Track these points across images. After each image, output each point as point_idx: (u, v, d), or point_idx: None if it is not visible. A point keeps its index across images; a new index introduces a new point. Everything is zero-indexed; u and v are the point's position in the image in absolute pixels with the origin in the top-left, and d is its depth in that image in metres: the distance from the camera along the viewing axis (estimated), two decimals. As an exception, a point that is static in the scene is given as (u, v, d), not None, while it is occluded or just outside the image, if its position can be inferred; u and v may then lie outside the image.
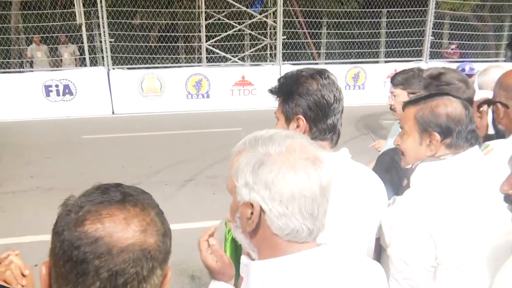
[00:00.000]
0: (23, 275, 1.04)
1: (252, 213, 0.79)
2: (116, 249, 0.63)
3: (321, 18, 10.67)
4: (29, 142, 6.95)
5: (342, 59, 10.26)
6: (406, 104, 1.42)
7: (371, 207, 1.23)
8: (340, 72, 9.79)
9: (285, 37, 9.71)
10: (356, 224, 1.18)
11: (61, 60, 9.79)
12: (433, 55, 10.40)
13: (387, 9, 10.43)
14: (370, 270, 0.88)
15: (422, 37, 10.20)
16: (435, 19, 10.09)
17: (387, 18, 10.57)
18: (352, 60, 10.23)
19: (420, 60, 10.23)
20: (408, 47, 10.30)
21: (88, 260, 0.62)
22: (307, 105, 1.19)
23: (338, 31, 10.44)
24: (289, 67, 9.57)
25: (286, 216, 0.77)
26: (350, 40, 10.36)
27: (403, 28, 10.22)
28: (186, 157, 5.93)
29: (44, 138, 7.15)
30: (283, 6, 9.63)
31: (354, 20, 10.45)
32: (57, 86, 8.73)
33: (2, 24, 9.34)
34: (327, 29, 10.96)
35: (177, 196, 4.68)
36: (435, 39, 10.40)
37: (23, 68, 9.64)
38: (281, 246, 0.79)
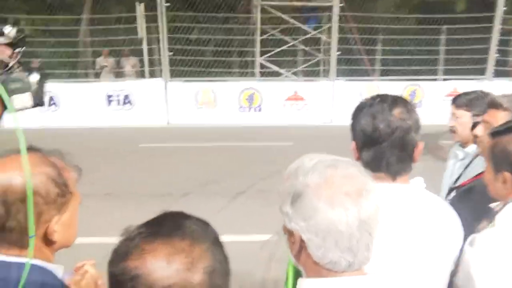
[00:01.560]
0: (97, 284, 1.07)
1: (294, 239, 0.82)
2: None
3: (377, 35, 10.48)
4: (90, 148, 7.34)
5: (398, 75, 9.97)
6: (490, 134, 1.30)
7: (443, 243, 1.14)
8: (396, 89, 9.52)
9: (339, 52, 9.63)
10: (425, 259, 1.10)
11: (123, 72, 10.35)
12: (498, 73, 9.83)
13: (447, 26, 10.05)
14: None
15: (486, 54, 9.70)
16: (500, 35, 9.57)
17: (447, 34, 10.17)
18: (408, 77, 9.91)
19: (484, 78, 9.71)
20: (470, 65, 9.83)
21: None
22: (360, 132, 1.16)
23: (394, 48, 10.20)
24: (342, 83, 9.47)
25: (324, 248, 0.78)
26: (407, 56, 10.07)
27: (464, 46, 9.78)
28: (237, 169, 5.99)
29: (104, 145, 7.52)
30: (338, 23, 9.58)
31: (411, 37, 10.16)
32: (118, 96, 9.22)
33: (73, 38, 10.06)
34: (382, 46, 10.75)
35: (228, 208, 4.71)
36: (501, 56, 9.85)
37: (89, 78, 10.29)
38: (322, 273, 0.80)
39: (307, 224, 0.78)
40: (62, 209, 0.93)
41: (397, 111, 1.14)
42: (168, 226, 0.67)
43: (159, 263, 0.62)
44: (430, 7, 10.25)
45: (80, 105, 9.09)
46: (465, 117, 2.07)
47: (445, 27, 10.11)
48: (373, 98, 1.19)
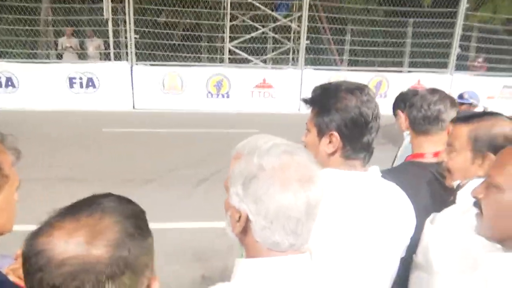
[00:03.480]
0: None
1: (240, 217, 0.82)
2: (55, 262, 0.61)
3: (345, 25, 10.58)
4: (50, 132, 7.09)
5: (365, 66, 10.14)
6: (456, 120, 1.38)
7: (397, 228, 1.18)
8: (362, 80, 9.65)
9: (308, 41, 9.67)
10: (381, 244, 1.14)
11: (86, 53, 9.97)
12: (459, 68, 10.19)
13: (414, 19, 10.28)
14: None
15: (449, 48, 10.01)
16: (463, 31, 9.89)
17: (413, 28, 10.41)
18: (375, 68, 10.11)
19: (446, 71, 10.04)
20: (434, 58, 10.12)
21: (31, 272, 0.62)
22: (343, 122, 1.14)
23: (362, 39, 10.34)
24: (310, 72, 9.53)
25: (269, 230, 0.80)
26: (374, 48, 10.25)
27: (429, 39, 10.04)
28: (202, 157, 5.95)
29: (65, 129, 7.28)
30: (308, 12, 9.59)
31: (379, 29, 10.33)
32: (81, 78, 8.90)
33: (32, 16, 9.57)
34: (351, 36, 10.87)
35: (191, 195, 4.69)
36: (462, 51, 10.19)
37: (49, 59, 9.86)
38: (262, 252, 0.83)
39: (257, 207, 0.79)
40: None
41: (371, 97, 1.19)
42: (82, 205, 0.68)
43: (61, 237, 0.62)
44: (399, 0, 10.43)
45: (40, 86, 8.70)
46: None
47: (411, 20, 10.33)
48: (350, 88, 1.19)
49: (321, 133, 1.18)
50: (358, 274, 1.10)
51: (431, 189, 1.53)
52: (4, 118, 7.92)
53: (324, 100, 1.18)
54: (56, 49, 10.07)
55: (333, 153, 1.17)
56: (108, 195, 0.72)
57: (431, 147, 1.61)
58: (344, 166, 1.16)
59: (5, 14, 9.55)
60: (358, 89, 1.17)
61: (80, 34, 9.95)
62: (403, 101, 2.41)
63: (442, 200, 1.44)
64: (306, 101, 1.25)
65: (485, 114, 1.34)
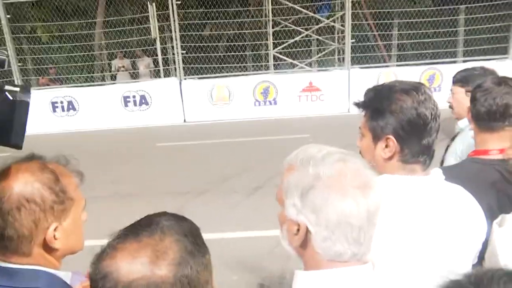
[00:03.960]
0: None
1: (298, 230, 0.81)
2: (122, 284, 0.62)
3: (392, 19, 10.22)
4: (109, 150, 7.47)
5: (415, 60, 9.71)
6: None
7: (466, 233, 1.09)
8: (413, 74, 9.27)
9: (353, 40, 9.44)
10: (450, 252, 1.06)
11: (137, 72, 10.45)
12: (522, 52, 9.45)
13: (466, 5, 9.70)
14: None
15: (508, 32, 9.33)
16: (522, 12, 9.19)
17: (466, 14, 9.82)
18: (425, 61, 9.64)
19: (506, 57, 9.35)
20: (491, 45, 9.47)
21: None
22: (400, 125, 1.08)
23: (410, 32, 9.92)
24: (358, 71, 9.29)
25: (331, 240, 0.78)
26: (424, 40, 9.78)
27: (484, 25, 9.42)
28: (254, 164, 5.97)
29: (122, 146, 7.64)
30: (352, 10, 9.38)
31: (428, 20, 9.85)
32: (134, 97, 9.32)
33: (88, 42, 10.21)
34: (398, 30, 10.48)
35: (245, 204, 4.70)
36: (523, 34, 9.46)
37: (105, 81, 10.44)
38: (323, 264, 0.80)
39: (317, 217, 0.78)
40: (61, 216, 0.93)
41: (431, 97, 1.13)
42: (141, 225, 0.69)
43: (125, 259, 0.64)
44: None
45: (98, 108, 9.23)
46: (460, 93, 2.09)
47: (463, 6, 9.77)
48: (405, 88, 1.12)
49: (376, 138, 1.13)
50: (425, 285, 1.02)
51: (497, 188, 1.40)
52: (67, 139, 8.50)
53: (377, 102, 1.13)
54: (110, 71, 10.66)
55: (390, 158, 1.11)
56: (165, 214, 0.73)
57: (497, 144, 1.48)
58: (403, 171, 1.11)
59: (64, 43, 10.28)
60: (414, 88, 1.10)
61: (131, 54, 10.46)
62: (466, 80, 2.12)
63: (511, 200, 1.31)
64: (358, 104, 1.20)
65: None
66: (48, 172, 0.92)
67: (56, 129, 9.09)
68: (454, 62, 9.82)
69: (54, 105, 9.32)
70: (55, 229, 0.91)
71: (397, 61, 10.28)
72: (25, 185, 0.88)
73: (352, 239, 0.77)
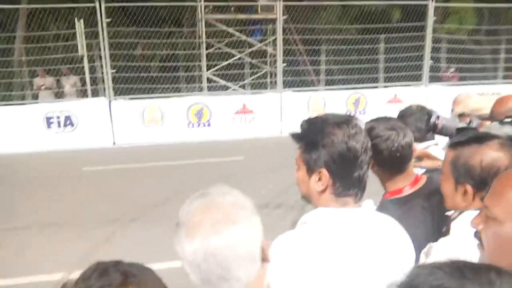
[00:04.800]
0: None
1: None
2: None
3: (320, 45, 10.80)
4: (29, 175, 6.90)
5: (342, 85, 10.31)
6: (449, 144, 1.36)
7: (395, 263, 1.14)
8: (340, 98, 9.83)
9: (285, 64, 9.80)
10: (379, 282, 1.10)
11: (63, 91, 9.86)
12: (433, 79, 10.45)
13: (385, 35, 10.57)
14: None
15: (421, 61, 10.29)
16: (433, 43, 10.20)
17: (385, 43, 10.69)
18: (351, 86, 10.28)
19: (420, 83, 10.27)
20: (408, 72, 10.38)
21: None
22: (331, 158, 1.10)
23: (337, 58, 10.55)
24: (290, 94, 9.63)
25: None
26: (349, 66, 10.45)
27: (401, 54, 10.32)
28: (188, 188, 5.82)
29: (44, 171, 7.10)
30: (283, 35, 9.76)
31: (352, 47, 10.56)
32: (58, 117, 8.76)
33: (5, 58, 9.45)
34: (326, 56, 11.09)
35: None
36: (434, 63, 10.48)
37: (25, 100, 9.70)
38: None
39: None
40: None
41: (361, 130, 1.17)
42: (117, 276, 0.67)
43: None
44: (369, 17, 10.73)
45: (16, 129, 8.52)
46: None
47: (382, 36, 10.62)
48: (336, 122, 1.16)
49: (310, 170, 1.15)
50: None
51: (422, 221, 1.51)
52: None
53: (310, 135, 1.15)
54: (32, 89, 9.94)
55: (323, 191, 1.14)
56: (131, 264, 0.73)
57: (406, 180, 1.60)
58: (336, 204, 1.13)
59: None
60: (345, 122, 1.14)
61: (55, 72, 9.85)
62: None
63: (438, 228, 1.41)
64: (293, 136, 1.23)
65: (476, 139, 1.27)
66: None
67: (-34, 152, 8.22)
68: (376, 87, 10.58)
69: (-35, 126, 8.45)
70: None
71: (325, 85, 10.83)
72: None
73: (198, 277, 0.83)
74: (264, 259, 0.90)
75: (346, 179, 1.12)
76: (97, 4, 8.73)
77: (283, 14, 9.75)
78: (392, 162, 1.56)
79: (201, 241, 0.81)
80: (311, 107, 9.64)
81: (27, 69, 10.06)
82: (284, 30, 9.86)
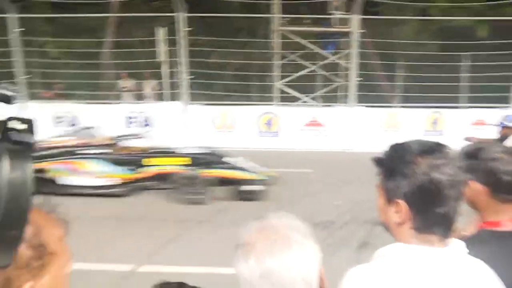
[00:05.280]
0: None
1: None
2: None
3: (397, 60, 10.42)
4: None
5: (420, 102, 9.82)
6: None
7: None
8: (417, 116, 9.37)
9: (359, 78, 9.58)
10: None
11: (143, 94, 10.47)
12: (523, 102, 9.61)
13: (470, 53, 9.92)
14: None
15: (510, 82, 9.51)
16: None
17: (470, 61, 10.02)
18: (430, 104, 9.74)
19: (507, 106, 9.49)
20: (494, 93, 9.63)
21: None
22: (411, 190, 1.00)
23: (415, 74, 10.09)
24: (362, 109, 9.36)
25: None
26: (429, 83, 9.92)
27: (487, 73, 9.61)
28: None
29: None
30: (358, 48, 9.56)
31: (433, 63, 10.04)
32: (137, 117, 9.30)
33: (95, 60, 10.28)
34: (403, 72, 10.66)
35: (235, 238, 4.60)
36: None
37: (110, 100, 10.44)
38: None
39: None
40: (38, 273, 0.83)
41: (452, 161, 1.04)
42: None
43: None
44: (451, 33, 10.17)
45: (101, 125, 9.14)
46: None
47: (468, 53, 9.97)
48: (420, 149, 1.04)
49: (389, 200, 1.05)
50: None
51: None
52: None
53: (391, 162, 1.06)
54: (116, 91, 10.69)
55: (401, 223, 1.03)
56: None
57: (507, 214, 1.43)
58: (417, 240, 1.02)
59: (72, 60, 10.34)
60: (431, 150, 1.02)
61: (138, 76, 10.52)
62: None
63: None
64: (375, 161, 1.14)
65: None
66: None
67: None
68: (458, 107, 9.94)
69: (57, 120, 9.28)
70: None
71: (401, 102, 10.39)
72: None
73: None
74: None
75: (427, 214, 1.01)
76: (178, 14, 9.20)
77: (358, 28, 9.56)
78: (506, 188, 1.41)
79: (255, 262, 0.83)
80: (384, 124, 9.29)
81: (113, 72, 10.84)
82: (359, 43, 9.66)
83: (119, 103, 10.03)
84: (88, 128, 6.66)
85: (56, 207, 0.88)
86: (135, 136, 6.57)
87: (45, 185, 5.48)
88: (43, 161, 5.74)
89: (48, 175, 5.69)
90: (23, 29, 9.35)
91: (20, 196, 0.61)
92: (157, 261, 3.97)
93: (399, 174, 1.03)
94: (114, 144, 6.22)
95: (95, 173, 5.80)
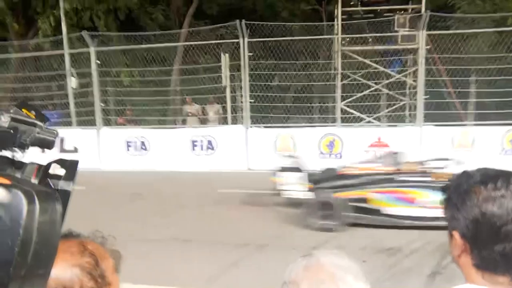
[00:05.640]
0: None
1: None
2: None
3: (469, 76, 9.75)
4: (173, 191, 7.65)
5: (495, 120, 9.05)
6: None
7: None
8: (493, 134, 8.65)
9: (426, 96, 9.10)
10: None
11: (207, 118, 10.86)
12: None
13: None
14: None
15: None
16: None
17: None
18: (508, 121, 8.92)
19: None
20: None
21: None
22: (465, 222, 0.91)
23: (490, 90, 9.36)
24: (431, 128, 8.85)
25: None
26: (506, 99, 9.12)
27: None
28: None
29: (185, 189, 7.78)
30: (425, 65, 9.12)
31: (509, 78, 9.25)
32: (201, 141, 9.63)
33: (164, 87, 10.90)
34: (476, 88, 9.94)
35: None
36: None
37: (176, 124, 10.96)
38: None
39: None
40: None
41: None
42: None
43: None
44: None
45: (167, 149, 9.64)
46: None
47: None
48: (483, 178, 0.94)
49: (449, 229, 0.98)
50: None
51: None
52: (137, 178, 8.88)
53: (450, 190, 0.98)
54: (182, 115, 11.22)
55: (459, 256, 0.95)
56: None
57: None
58: (484, 281, 0.91)
59: (143, 88, 11.06)
60: (493, 179, 0.91)
61: (202, 101, 10.96)
62: None
63: None
64: (441, 188, 1.06)
65: None
66: (87, 255, 0.86)
67: (128, 166, 9.60)
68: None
69: (128, 144, 9.91)
70: None
71: (474, 119, 9.66)
72: (64, 270, 0.83)
73: None
74: None
75: (485, 252, 0.89)
76: (241, 40, 9.49)
77: (426, 44, 9.14)
78: None
79: None
80: (456, 144, 8.68)
81: (179, 97, 11.40)
82: (426, 60, 9.22)
83: (184, 127, 10.48)
84: (394, 153, 6.18)
85: (107, 239, 0.93)
86: (445, 160, 5.71)
87: (369, 214, 5.34)
88: (361, 189, 5.48)
89: (371, 204, 5.39)
90: (100, 61, 10.22)
91: (49, 238, 0.64)
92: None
93: (454, 205, 0.95)
94: (426, 170, 5.64)
95: (428, 202, 5.18)
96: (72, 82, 10.22)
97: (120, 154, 9.89)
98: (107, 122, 10.57)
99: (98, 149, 10.00)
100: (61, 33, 10.40)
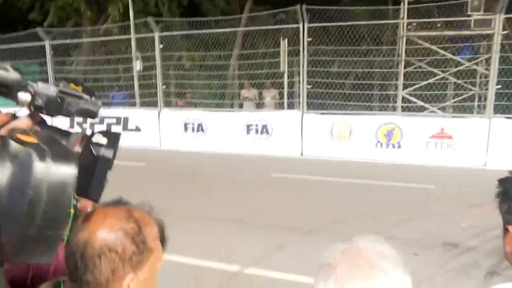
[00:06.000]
0: None
1: None
2: None
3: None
4: (228, 173, 7.85)
5: None
6: None
7: None
8: None
9: (499, 86, 8.43)
10: None
11: (263, 102, 10.93)
12: None
13: None
14: None
15: None
16: None
17: None
18: None
19: None
20: None
21: None
22: None
23: None
24: (501, 121, 8.23)
25: None
26: None
27: None
28: (369, 211, 5.60)
29: (239, 172, 7.95)
30: (501, 53, 8.43)
31: None
32: (256, 125, 9.72)
33: (223, 72, 11.11)
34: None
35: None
36: None
37: (233, 108, 11.15)
38: None
39: None
40: (138, 267, 0.91)
41: None
42: None
43: None
44: None
45: (223, 132, 9.87)
46: None
47: None
48: None
49: (504, 223, 0.95)
50: None
51: None
52: (193, 158, 9.23)
53: (509, 183, 0.96)
54: (239, 99, 11.40)
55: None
56: None
57: None
58: None
59: (203, 72, 11.36)
60: None
61: (259, 85, 11.03)
62: None
63: None
64: (498, 181, 1.01)
65: None
66: (132, 221, 0.92)
67: (185, 147, 9.99)
68: None
69: (186, 126, 10.28)
70: (130, 280, 0.90)
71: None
72: (109, 233, 0.88)
73: None
74: None
75: None
76: (300, 25, 9.36)
77: (502, 29, 8.43)
78: None
79: (334, 285, 0.79)
80: (529, 139, 8.00)
81: (237, 82, 11.57)
82: (502, 47, 8.51)
83: (240, 111, 10.63)
84: None
85: (152, 208, 1.00)
86: None
87: None
88: None
89: None
90: (163, 45, 10.62)
91: (59, 200, 0.63)
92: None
93: (510, 197, 0.92)
94: None
95: None
96: (137, 65, 10.73)
97: (178, 135, 10.30)
98: (168, 104, 11.01)
99: (158, 129, 10.48)
100: (128, 19, 10.92)
